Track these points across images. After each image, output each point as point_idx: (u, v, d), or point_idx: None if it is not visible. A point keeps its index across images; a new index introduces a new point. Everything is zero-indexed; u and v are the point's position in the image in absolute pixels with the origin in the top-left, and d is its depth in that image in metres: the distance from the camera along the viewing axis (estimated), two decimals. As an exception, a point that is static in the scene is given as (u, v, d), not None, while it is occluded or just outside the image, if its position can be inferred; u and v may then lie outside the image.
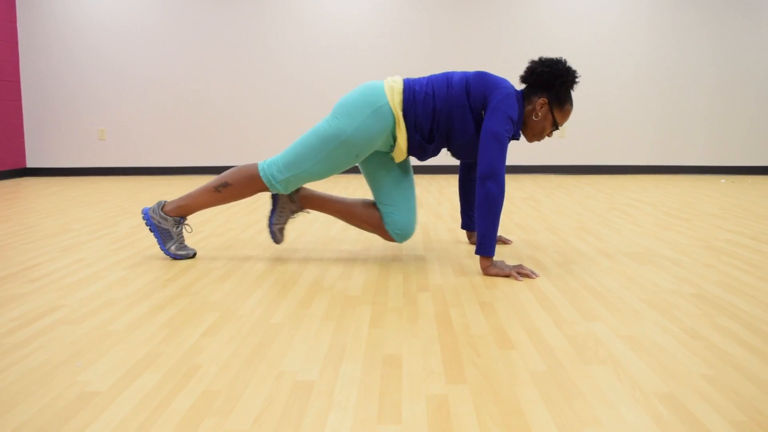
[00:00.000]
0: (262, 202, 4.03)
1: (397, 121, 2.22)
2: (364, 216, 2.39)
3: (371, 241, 2.76)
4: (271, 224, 2.47)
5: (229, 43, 5.90)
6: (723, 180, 5.45)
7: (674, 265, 2.25)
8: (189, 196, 2.36)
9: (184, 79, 5.92)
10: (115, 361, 1.38)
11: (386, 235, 2.38)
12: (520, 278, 2.06)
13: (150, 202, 4.05)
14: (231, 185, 2.31)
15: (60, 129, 5.97)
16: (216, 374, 1.31)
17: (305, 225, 3.15)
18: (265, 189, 2.30)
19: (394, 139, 2.26)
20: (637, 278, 2.07)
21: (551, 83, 2.24)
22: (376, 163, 2.36)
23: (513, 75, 5.96)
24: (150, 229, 2.39)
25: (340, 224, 3.17)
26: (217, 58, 5.91)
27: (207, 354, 1.42)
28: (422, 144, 2.26)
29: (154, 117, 5.97)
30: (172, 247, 2.37)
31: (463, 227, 2.68)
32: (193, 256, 2.42)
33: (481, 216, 2.08)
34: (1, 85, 5.63)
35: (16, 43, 5.81)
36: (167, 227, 2.36)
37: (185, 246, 2.42)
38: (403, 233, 2.36)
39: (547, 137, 2.46)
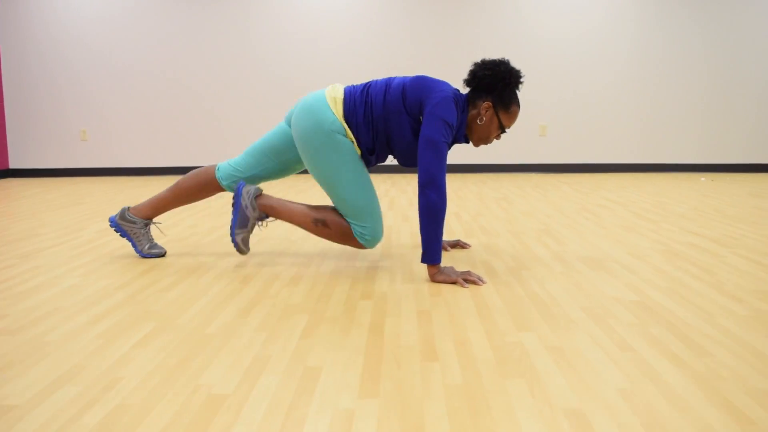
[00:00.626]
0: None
1: (346, 131, 2.22)
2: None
3: (330, 245, 2.76)
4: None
5: (210, 43, 5.88)
6: (703, 179, 5.44)
7: (626, 271, 2.24)
8: (284, 204, 2.35)
9: (164, 79, 5.91)
10: (40, 374, 1.39)
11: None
12: (466, 285, 2.05)
13: (127, 203, 4.05)
14: (330, 229, 2.30)
15: (42, 130, 5.97)
16: (134, 387, 1.31)
17: (270, 228, 3.15)
18: (358, 245, 2.31)
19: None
20: (584, 285, 2.07)
21: (494, 86, 2.22)
22: None
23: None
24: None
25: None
26: (198, 59, 5.90)
27: (132, 366, 1.42)
28: (363, 152, 2.26)
29: (135, 117, 5.97)
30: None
31: (422, 232, 2.68)
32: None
33: (423, 224, 2.07)
34: (-18, 86, 5.63)
35: (-3, 44, 5.81)
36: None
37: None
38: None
39: (495, 140, 2.44)
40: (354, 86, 2.29)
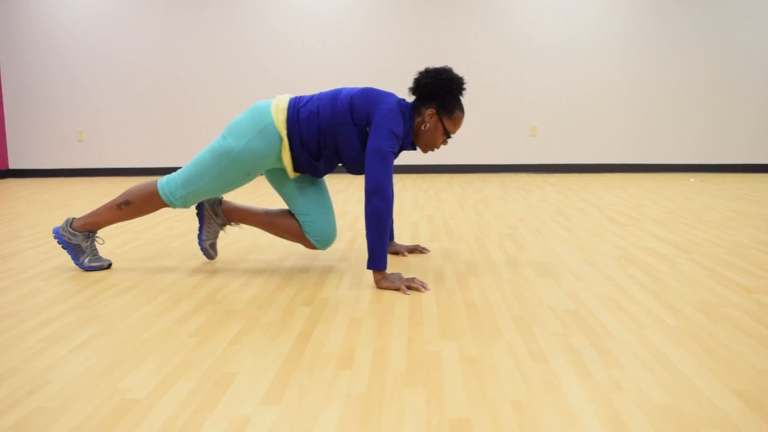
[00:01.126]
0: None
1: (282, 139, 2.26)
2: (284, 226, 2.42)
3: (292, 250, 2.81)
4: (201, 241, 2.53)
5: (207, 43, 5.96)
6: (692, 179, 5.41)
7: (573, 278, 2.27)
8: (95, 212, 2.41)
9: (160, 80, 6.01)
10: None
11: (308, 243, 2.41)
12: (408, 292, 2.09)
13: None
14: (132, 203, 2.35)
15: (40, 131, 6.10)
16: (57, 391, 1.37)
17: (237, 233, 3.21)
18: (165, 206, 2.35)
19: (280, 156, 2.30)
20: (526, 292, 2.10)
21: (436, 93, 2.27)
22: (279, 176, 2.41)
23: (483, 74, 5.95)
24: (62, 246, 2.44)
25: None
26: (194, 59, 5.98)
27: (62, 370, 1.49)
28: (311, 161, 2.30)
29: (131, 118, 6.07)
30: (86, 260, 2.43)
31: (382, 236, 2.72)
32: (108, 267, 2.48)
33: (369, 231, 2.12)
34: (-18, 89, 5.77)
35: (-3, 47, 5.94)
36: (78, 242, 2.43)
37: (99, 258, 2.48)
38: (323, 240, 2.38)
39: (442, 145, 2.48)
40: (299, 97, 2.34)
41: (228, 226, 2.50)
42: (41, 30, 5.95)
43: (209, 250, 2.53)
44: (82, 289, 2.18)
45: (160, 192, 2.31)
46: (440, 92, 2.26)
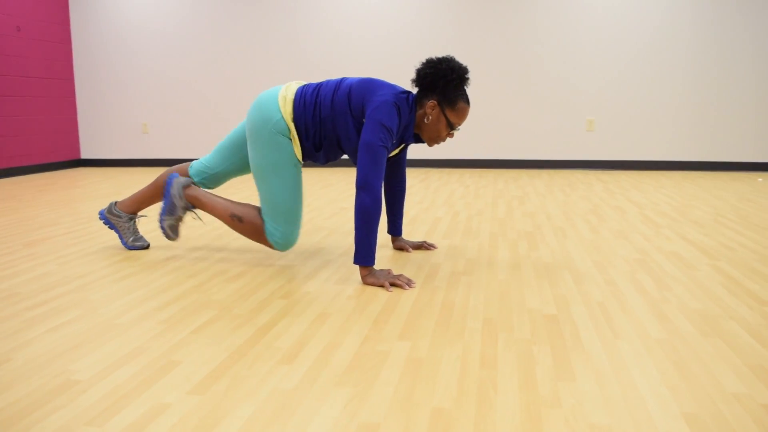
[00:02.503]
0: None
1: (290, 130, 2.27)
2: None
3: (298, 243, 2.83)
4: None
5: (261, 39, 6.11)
6: (760, 179, 4.98)
7: (572, 282, 2.14)
8: (209, 197, 2.44)
9: (217, 74, 6.22)
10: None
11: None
12: (391, 289, 2.05)
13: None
14: (244, 223, 2.36)
15: (109, 123, 6.47)
16: (15, 368, 1.45)
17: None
18: (268, 245, 2.37)
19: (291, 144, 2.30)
20: (513, 294, 2.00)
21: (436, 84, 2.20)
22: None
23: (536, 65, 5.74)
24: (165, 191, 2.50)
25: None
26: (250, 54, 6.14)
27: (29, 349, 1.57)
28: (312, 151, 2.30)
29: (191, 111, 6.32)
30: (167, 222, 2.47)
31: (388, 232, 2.68)
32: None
33: (356, 226, 2.09)
34: (58, 84, 6.19)
35: (70, 45, 6.34)
36: (177, 203, 2.45)
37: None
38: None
39: (449, 138, 2.40)
40: (307, 86, 2.33)
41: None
42: (111, 29, 6.30)
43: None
44: (88, 274, 2.30)
45: (267, 235, 2.32)
46: (440, 82, 2.19)
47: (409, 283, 2.09)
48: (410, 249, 2.62)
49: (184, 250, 2.66)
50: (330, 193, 4.39)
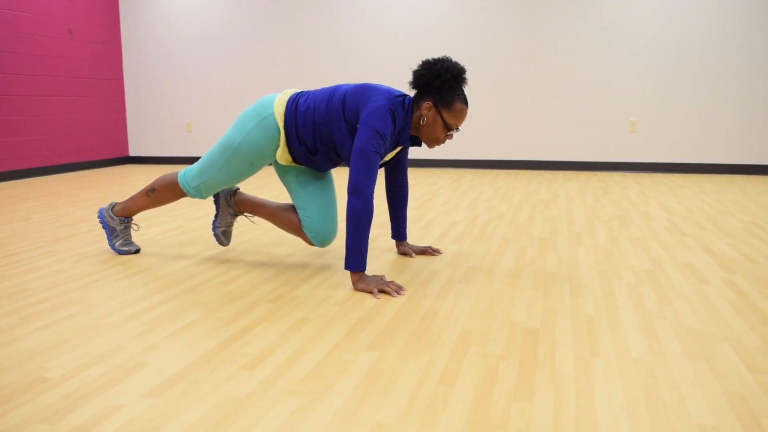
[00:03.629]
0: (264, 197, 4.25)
1: (279, 131, 2.28)
2: (286, 220, 2.45)
3: (302, 246, 2.83)
4: (214, 227, 2.63)
5: (301, 40, 6.18)
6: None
7: (568, 293, 2.06)
8: (131, 198, 2.61)
9: (259, 75, 6.33)
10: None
11: (306, 239, 2.42)
12: (379, 296, 2.04)
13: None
14: (157, 191, 2.52)
15: (155, 122, 6.71)
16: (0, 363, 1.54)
17: (261, 226, 3.31)
18: (185, 195, 2.49)
19: (276, 149, 2.33)
20: (499, 305, 1.95)
21: (431, 85, 2.17)
22: (284, 169, 2.44)
23: (576, 64, 5.55)
24: (102, 226, 2.70)
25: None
26: (290, 55, 6.23)
27: (16, 346, 1.64)
28: (308, 156, 2.30)
29: (232, 111, 6.47)
30: (117, 243, 2.65)
31: (392, 237, 2.66)
32: (136, 252, 2.68)
33: (347, 231, 2.09)
34: (108, 84, 6.47)
35: (120, 46, 6.61)
36: (114, 225, 2.65)
37: (131, 242, 2.68)
38: (320, 237, 2.37)
39: (448, 139, 2.35)
40: (301, 92, 2.35)
41: (240, 216, 2.59)
42: (158, 31, 6.52)
43: (221, 237, 2.62)
44: (96, 272, 2.39)
45: (179, 182, 2.45)
46: (434, 83, 2.16)
47: (398, 290, 2.07)
48: (413, 254, 2.59)
49: (194, 250, 2.72)
50: (413, 193, 4.39)
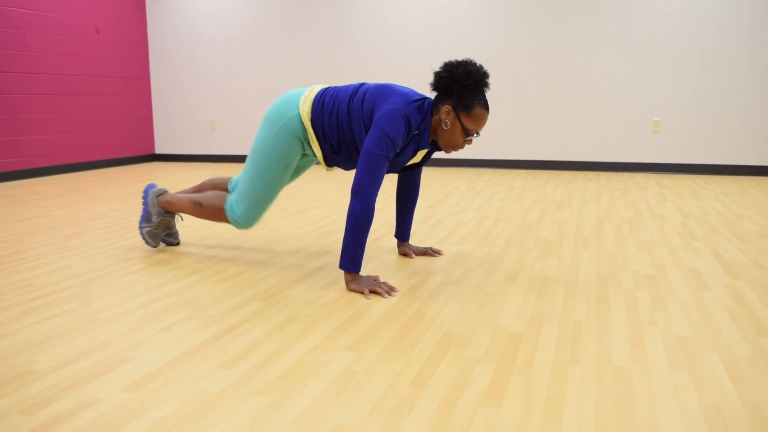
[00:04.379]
0: (298, 210, 4.30)
1: (307, 130, 2.28)
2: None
3: (308, 244, 2.86)
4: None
5: (325, 39, 6.22)
6: None
7: (561, 297, 2.04)
8: (176, 197, 2.59)
9: (282, 74, 6.39)
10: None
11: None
12: (369, 296, 2.04)
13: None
14: (204, 207, 2.48)
15: (181, 120, 6.84)
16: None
17: (273, 225, 3.34)
18: (228, 222, 2.46)
19: (311, 147, 2.33)
20: (489, 308, 1.93)
21: (451, 88, 2.14)
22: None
23: (597, 63, 5.45)
24: (143, 201, 2.69)
25: (297, 224, 3.30)
26: (314, 55, 6.27)
27: (12, 338, 1.70)
28: (332, 154, 2.30)
29: (256, 109, 6.55)
30: (146, 229, 2.66)
31: (395, 236, 2.66)
32: (153, 246, 2.71)
33: (346, 230, 2.10)
34: (135, 83, 6.62)
35: (147, 46, 6.75)
36: (151, 211, 2.65)
37: (157, 235, 2.68)
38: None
39: (467, 144, 2.31)
40: (329, 88, 2.33)
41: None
42: (184, 31, 6.64)
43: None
44: (102, 268, 2.45)
45: (228, 216, 2.42)
46: (454, 87, 2.12)
47: (389, 291, 2.07)
48: (413, 255, 2.59)
49: (198, 248, 2.77)
50: (428, 192, 4.41)
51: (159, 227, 2.66)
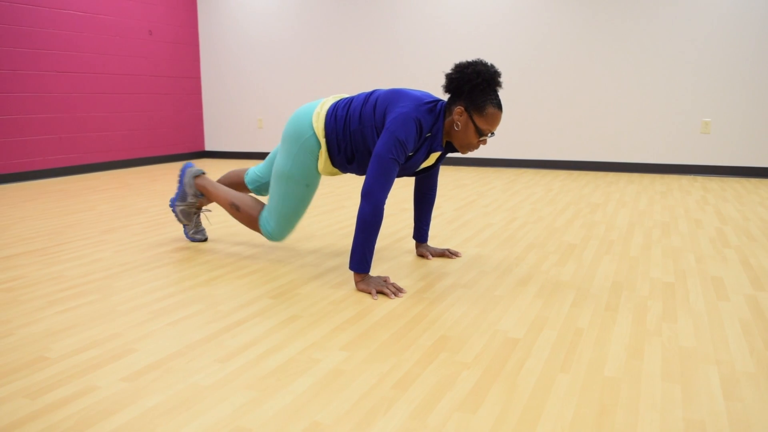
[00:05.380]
0: (334, 206, 4.37)
1: (321, 146, 2.33)
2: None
3: (329, 243, 2.91)
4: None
5: (361, 44, 6.27)
6: None
7: (569, 304, 2.01)
8: (215, 187, 2.68)
9: (327, 74, 6.49)
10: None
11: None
12: (376, 296, 2.07)
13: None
14: (240, 212, 2.57)
15: (229, 118, 7.04)
16: (10, 342, 1.71)
17: (303, 223, 3.40)
18: (260, 232, 2.54)
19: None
20: (491, 312, 1.92)
21: (461, 89, 2.14)
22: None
23: (643, 61, 5.26)
24: (179, 181, 2.82)
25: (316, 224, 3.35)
26: (349, 60, 6.34)
27: (30, 328, 1.82)
28: (345, 164, 2.34)
29: (286, 109, 6.67)
30: (179, 207, 2.79)
31: (413, 237, 2.67)
32: (186, 224, 2.84)
33: (356, 231, 2.13)
34: (187, 82, 6.86)
35: (198, 46, 6.98)
36: (187, 190, 2.76)
37: (190, 215, 2.81)
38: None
39: (482, 145, 2.30)
40: (340, 100, 2.37)
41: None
42: (234, 33, 6.84)
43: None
44: (130, 262, 2.58)
45: (261, 227, 2.49)
46: (465, 87, 2.13)
47: (396, 292, 2.09)
48: (431, 256, 2.60)
49: (224, 245, 2.87)
50: (461, 193, 4.43)
51: (192, 207, 2.79)
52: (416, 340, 1.71)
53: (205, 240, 2.90)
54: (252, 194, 2.77)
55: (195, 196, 2.75)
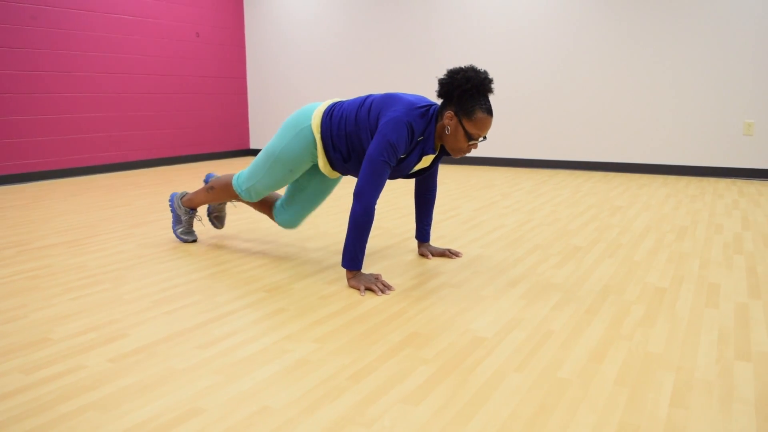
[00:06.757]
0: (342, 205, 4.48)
1: (316, 142, 2.44)
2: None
3: (332, 241, 2.99)
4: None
5: (401, 49, 6.34)
6: None
7: (553, 307, 2.03)
8: (195, 192, 2.91)
9: (367, 76, 6.61)
10: None
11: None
12: (363, 293, 2.15)
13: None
14: (215, 189, 2.79)
15: (274, 117, 7.27)
16: (17, 326, 1.89)
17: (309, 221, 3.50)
18: (238, 196, 2.73)
19: (317, 157, 2.48)
20: (469, 312, 1.97)
21: (451, 94, 2.21)
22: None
23: (682, 62, 5.09)
24: (171, 210, 3.06)
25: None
26: (388, 63, 6.42)
27: (39, 313, 2.01)
28: (342, 163, 2.44)
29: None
30: (179, 230, 3.00)
31: (415, 237, 2.73)
32: (193, 241, 3.00)
33: (348, 230, 2.21)
34: (233, 82, 7.12)
35: (244, 48, 7.23)
36: (180, 214, 2.99)
37: (191, 232, 3.00)
38: (285, 225, 2.69)
39: (473, 149, 2.34)
40: (337, 103, 2.47)
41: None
42: (279, 34, 7.05)
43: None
44: (147, 254, 2.75)
45: (233, 185, 2.69)
46: (454, 92, 2.20)
47: (383, 289, 2.17)
48: (431, 256, 2.66)
49: (238, 241, 3.02)
50: (486, 194, 4.47)
51: (190, 225, 2.99)
52: (387, 336, 1.78)
53: (194, 241, 3.01)
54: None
55: (187, 213, 2.96)
